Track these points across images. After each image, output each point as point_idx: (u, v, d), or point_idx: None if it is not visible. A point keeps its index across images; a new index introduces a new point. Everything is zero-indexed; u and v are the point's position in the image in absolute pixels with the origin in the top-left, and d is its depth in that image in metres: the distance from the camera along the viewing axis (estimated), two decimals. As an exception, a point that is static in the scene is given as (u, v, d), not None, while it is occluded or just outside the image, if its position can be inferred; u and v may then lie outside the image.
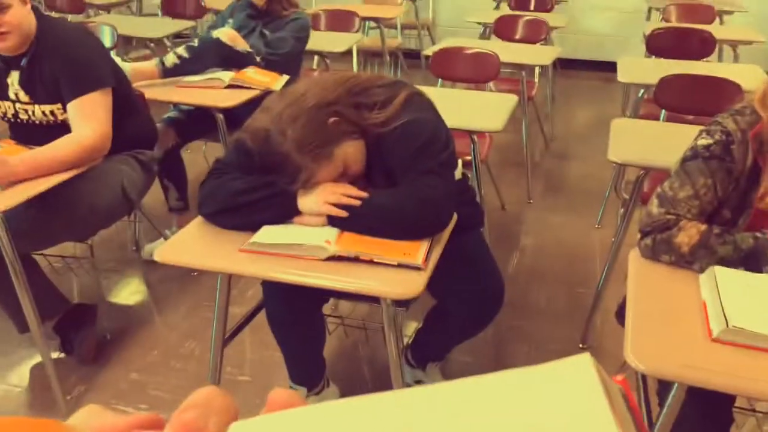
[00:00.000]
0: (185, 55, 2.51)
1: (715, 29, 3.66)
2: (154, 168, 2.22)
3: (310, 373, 1.81)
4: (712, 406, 1.33)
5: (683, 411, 1.14)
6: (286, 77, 2.58)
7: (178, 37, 4.02)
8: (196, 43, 2.55)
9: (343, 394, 1.93)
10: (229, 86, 2.44)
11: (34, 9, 1.86)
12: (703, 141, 1.29)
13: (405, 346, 1.94)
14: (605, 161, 1.96)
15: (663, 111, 2.64)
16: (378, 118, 1.39)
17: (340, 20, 4.18)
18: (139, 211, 2.27)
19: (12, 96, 1.92)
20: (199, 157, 3.31)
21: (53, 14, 4.13)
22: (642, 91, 2.80)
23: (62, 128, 1.88)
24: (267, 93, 2.30)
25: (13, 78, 1.89)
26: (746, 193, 1.28)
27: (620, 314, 1.53)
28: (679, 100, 2.56)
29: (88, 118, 1.86)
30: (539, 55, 3.32)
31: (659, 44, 3.54)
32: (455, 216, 1.41)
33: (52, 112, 1.91)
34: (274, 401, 0.24)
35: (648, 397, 1.39)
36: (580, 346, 2.19)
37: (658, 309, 1.15)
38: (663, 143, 1.97)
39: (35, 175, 1.72)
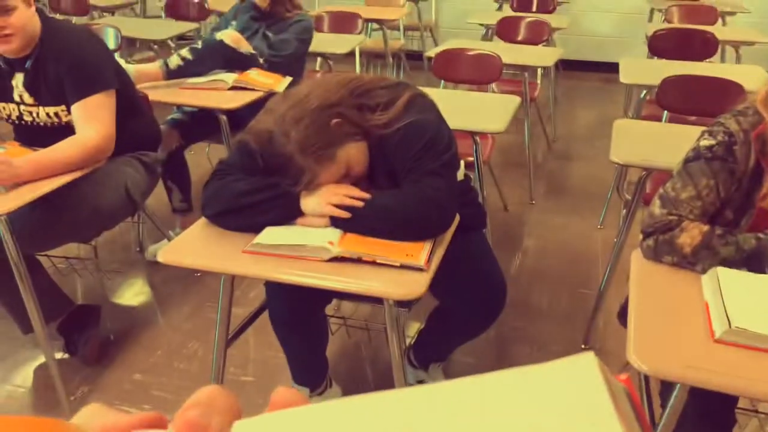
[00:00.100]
0: (189, 56, 2.52)
1: (718, 30, 3.66)
2: (157, 169, 2.22)
3: (312, 374, 1.81)
4: (714, 407, 1.33)
5: (685, 411, 1.14)
6: (289, 79, 2.58)
7: (182, 39, 4.03)
8: (199, 44, 2.56)
9: (346, 394, 1.90)
10: (233, 88, 2.44)
11: (38, 11, 1.87)
12: (706, 142, 1.29)
13: (407, 347, 1.94)
14: (607, 162, 1.96)
15: (665, 112, 2.64)
16: (381, 120, 1.40)
17: (343, 22, 4.18)
18: (143, 212, 2.28)
19: (16, 98, 1.92)
20: (203, 159, 3.32)
21: (57, 16, 4.15)
22: (644, 92, 2.80)
23: (66, 130, 1.89)
24: (270, 95, 2.30)
25: (18, 80, 1.90)
26: (749, 193, 1.28)
27: (622, 315, 1.53)
28: (681, 101, 2.56)
29: (92, 119, 1.86)
30: (541, 56, 3.32)
31: (661, 45, 3.53)
32: (457, 217, 1.41)
33: (56, 114, 1.92)
34: (277, 400, 0.24)
35: (650, 397, 1.39)
36: (583, 346, 2.19)
37: (660, 310, 1.15)
38: (665, 144, 1.97)
39: (39, 177, 1.72)
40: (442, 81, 3.11)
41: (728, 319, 1.05)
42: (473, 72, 3.01)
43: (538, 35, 3.87)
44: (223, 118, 2.41)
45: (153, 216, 2.34)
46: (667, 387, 1.33)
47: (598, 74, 5.51)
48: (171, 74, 2.51)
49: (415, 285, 1.23)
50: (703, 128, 1.33)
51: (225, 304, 1.58)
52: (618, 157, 1.88)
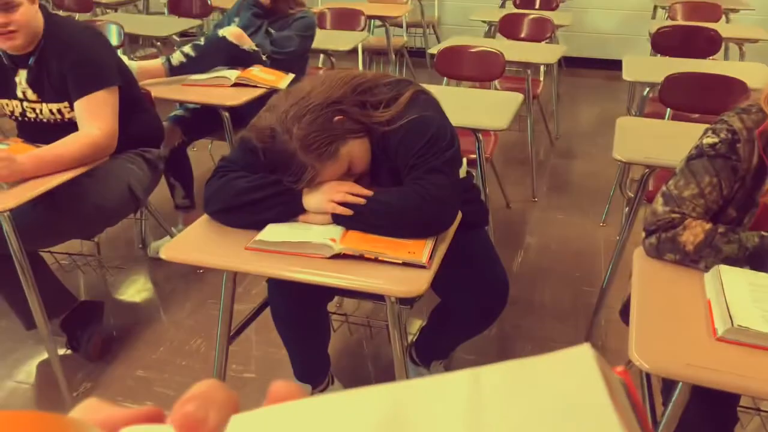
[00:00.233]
0: (191, 53, 2.52)
1: (721, 27, 3.65)
2: (160, 166, 2.22)
3: (314, 371, 1.82)
4: (716, 406, 1.33)
5: (687, 410, 1.14)
6: (291, 76, 2.58)
7: (185, 35, 4.03)
8: (202, 41, 2.56)
9: (348, 391, 1.93)
10: (235, 85, 2.45)
11: (42, 7, 1.87)
12: (709, 139, 1.29)
13: (409, 344, 1.94)
14: (610, 160, 1.95)
15: (668, 109, 2.63)
16: (383, 117, 1.40)
17: (346, 19, 4.18)
18: (146, 209, 2.28)
19: (19, 95, 1.93)
20: (205, 156, 3.32)
21: (61, 13, 4.15)
22: (647, 89, 2.79)
23: (69, 127, 1.89)
24: (273, 91, 2.30)
25: (21, 77, 1.90)
26: (752, 191, 1.27)
27: (624, 313, 1.53)
28: (684, 98, 2.55)
29: (95, 116, 1.86)
30: (544, 53, 3.32)
31: (665, 42, 3.52)
32: (460, 214, 1.41)
33: (59, 111, 1.92)
34: (275, 394, 0.24)
35: (652, 395, 1.39)
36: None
37: (662, 308, 1.15)
38: (668, 142, 1.97)
39: (42, 173, 1.72)
40: (445, 78, 3.11)
41: (731, 318, 1.05)
42: (476, 69, 3.00)
43: (541, 32, 3.86)
44: (226, 114, 2.41)
45: (155, 213, 2.34)
46: (668, 385, 1.33)
47: (601, 71, 5.50)
48: (173, 71, 2.51)
49: (417, 282, 1.23)
50: (707, 126, 1.33)
51: (227, 301, 1.58)
52: (621, 155, 1.88)
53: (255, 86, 2.45)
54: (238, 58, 2.56)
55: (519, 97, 2.42)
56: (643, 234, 1.31)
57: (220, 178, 1.44)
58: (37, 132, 1.95)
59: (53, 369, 1.87)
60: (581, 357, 0.21)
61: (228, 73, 2.49)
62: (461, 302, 1.68)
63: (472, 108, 2.34)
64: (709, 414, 1.32)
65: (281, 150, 1.34)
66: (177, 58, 2.52)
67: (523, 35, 3.92)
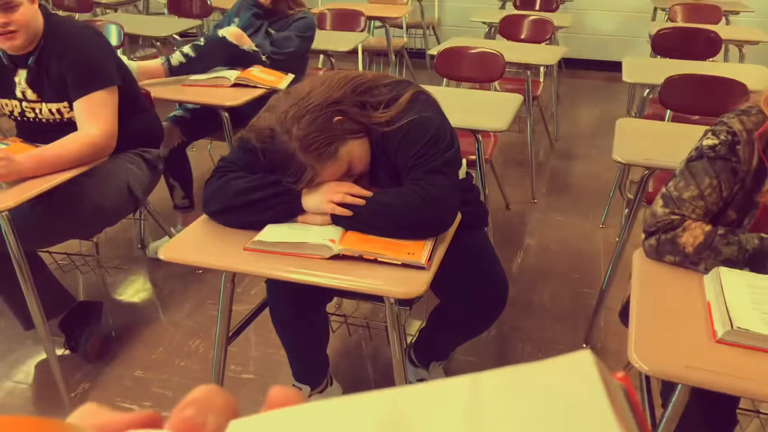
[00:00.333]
0: (191, 53, 2.52)
1: (721, 29, 3.65)
2: (159, 166, 2.22)
3: (313, 372, 1.81)
4: (715, 408, 1.33)
5: (687, 412, 1.14)
6: (291, 76, 2.59)
7: (185, 35, 4.03)
8: (202, 41, 2.56)
9: (346, 392, 1.92)
10: (235, 85, 2.45)
11: (41, 7, 1.87)
12: (709, 141, 1.29)
13: (408, 345, 1.94)
14: (610, 161, 1.95)
15: (668, 111, 2.63)
16: (383, 117, 1.40)
17: (346, 19, 4.18)
18: (145, 209, 2.28)
19: (18, 94, 1.92)
20: (205, 156, 3.32)
21: (61, 13, 4.15)
22: (647, 91, 2.79)
23: (69, 126, 1.89)
24: (272, 92, 2.30)
25: (21, 77, 1.90)
26: (752, 193, 1.27)
27: (624, 314, 1.52)
28: (684, 100, 2.55)
29: (94, 116, 1.86)
30: (544, 54, 3.32)
31: (665, 44, 3.53)
32: (459, 215, 1.41)
33: (58, 111, 1.92)
34: (273, 399, 0.24)
35: (651, 397, 1.39)
36: (584, 346, 2.18)
37: (662, 309, 1.15)
38: (668, 143, 1.97)
39: (41, 173, 1.72)
40: (445, 79, 3.11)
41: (730, 320, 1.05)
42: (476, 70, 3.00)
43: (541, 34, 3.87)
44: (225, 115, 2.41)
45: (155, 213, 2.34)
46: (668, 387, 1.33)
47: (601, 73, 5.50)
48: (173, 71, 2.51)
49: (416, 283, 1.23)
50: (707, 127, 1.33)
51: (226, 301, 1.58)
52: (620, 156, 1.88)
53: (254, 87, 2.45)
54: (238, 59, 2.56)
55: (519, 98, 2.42)
56: (643, 235, 1.31)
57: (220, 179, 1.43)
58: (36, 132, 1.95)
59: (51, 369, 1.87)
60: (581, 362, 0.21)
61: (227, 73, 2.49)
62: (460, 303, 1.67)
63: (472, 109, 2.34)
64: (708, 416, 1.32)
65: (280, 150, 1.34)
66: (177, 58, 2.52)
67: (523, 36, 3.92)
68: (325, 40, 3.34)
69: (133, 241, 2.80)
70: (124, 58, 2.19)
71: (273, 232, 1.35)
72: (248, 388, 1.97)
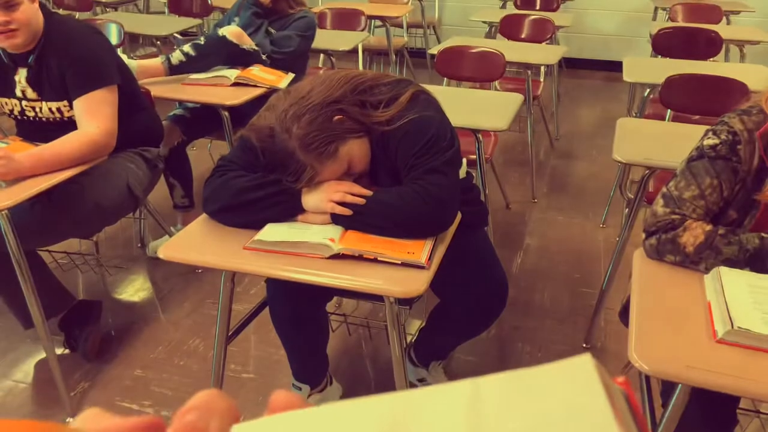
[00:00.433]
0: (191, 52, 2.52)
1: (722, 29, 3.65)
2: (159, 165, 2.22)
3: (313, 371, 1.81)
4: (715, 408, 1.33)
5: (687, 412, 1.14)
6: (291, 75, 2.58)
7: (185, 34, 4.03)
8: (202, 40, 2.56)
9: (346, 391, 1.93)
10: (235, 84, 2.45)
11: (42, 6, 1.87)
12: (709, 141, 1.28)
13: (408, 345, 1.94)
14: (610, 161, 1.95)
15: (669, 111, 2.63)
16: (383, 116, 1.39)
17: (346, 19, 4.18)
18: (145, 208, 2.28)
19: (18, 93, 1.92)
20: (205, 155, 3.32)
21: (61, 11, 4.15)
22: (648, 90, 2.79)
23: (69, 125, 1.89)
24: (272, 91, 2.30)
25: (21, 75, 1.90)
26: (752, 193, 1.27)
27: (624, 314, 1.52)
28: (685, 99, 2.55)
29: (94, 115, 1.86)
30: (545, 54, 3.32)
31: (665, 44, 3.52)
32: (459, 215, 1.40)
33: (58, 109, 1.92)
34: (276, 403, 0.24)
35: (651, 397, 1.39)
36: (584, 345, 2.18)
37: (662, 309, 1.15)
38: (668, 143, 1.97)
39: (41, 172, 1.72)
40: (445, 78, 3.11)
41: (731, 320, 1.05)
42: (476, 69, 3.00)
43: (542, 33, 3.86)
44: (225, 114, 2.41)
45: (154, 212, 2.34)
46: (668, 387, 1.33)
47: (601, 72, 5.50)
48: (173, 70, 2.51)
49: (416, 283, 1.23)
50: (707, 127, 1.33)
51: (225, 300, 1.58)
52: (621, 156, 1.88)
53: (255, 86, 2.45)
54: (238, 58, 2.55)
55: (519, 97, 2.41)
56: (643, 235, 1.31)
57: (220, 178, 1.43)
58: (36, 131, 1.95)
59: (51, 368, 1.87)
60: (582, 366, 0.21)
61: (228, 72, 2.49)
62: (460, 303, 1.67)
63: (473, 108, 2.34)
64: (708, 416, 1.32)
65: (280, 149, 1.34)
66: (177, 57, 2.52)
67: (523, 36, 3.92)
68: (325, 39, 3.34)
69: (132, 240, 2.80)
70: (124, 57, 2.19)
71: (273, 232, 1.35)
72: (248, 387, 1.97)
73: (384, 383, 2.00)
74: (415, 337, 1.93)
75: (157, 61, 2.51)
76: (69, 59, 1.85)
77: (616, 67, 3.44)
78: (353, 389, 1.96)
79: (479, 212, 1.73)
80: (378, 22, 4.82)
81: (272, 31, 2.69)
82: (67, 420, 1.83)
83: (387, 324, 1.41)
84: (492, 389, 0.21)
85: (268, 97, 1.46)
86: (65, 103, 1.90)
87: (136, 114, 2.08)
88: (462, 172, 1.54)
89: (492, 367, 2.07)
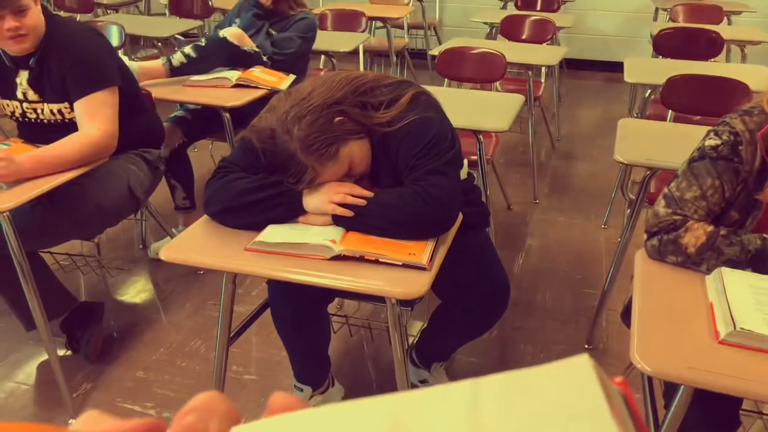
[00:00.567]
0: (192, 54, 2.52)
1: (723, 29, 3.64)
2: (160, 167, 2.22)
3: (315, 372, 1.81)
4: (718, 409, 1.32)
5: (689, 413, 1.14)
6: (292, 77, 2.59)
7: (186, 36, 4.03)
8: (203, 42, 2.56)
9: (348, 393, 1.93)
10: (236, 85, 2.45)
11: (43, 8, 1.87)
12: (711, 141, 1.28)
13: (410, 346, 1.93)
14: (612, 161, 1.95)
15: (670, 111, 2.63)
16: (384, 118, 1.39)
17: (347, 20, 4.18)
18: (146, 209, 2.28)
19: (20, 95, 1.92)
20: (206, 156, 3.33)
21: (62, 13, 4.15)
22: (649, 91, 2.79)
23: (70, 127, 1.89)
24: (273, 92, 2.30)
25: (22, 77, 1.90)
26: (754, 193, 1.27)
27: (626, 315, 1.52)
28: (686, 100, 2.55)
29: (95, 116, 1.86)
30: (546, 55, 3.32)
31: (666, 44, 3.52)
32: (460, 216, 1.40)
33: (59, 111, 1.92)
34: (274, 405, 0.24)
35: (654, 398, 1.39)
36: (586, 346, 2.18)
37: (664, 310, 1.15)
38: (670, 144, 1.96)
39: (42, 173, 1.72)
40: (446, 79, 3.11)
41: (733, 321, 1.05)
42: (477, 70, 3.00)
43: (543, 34, 3.86)
44: (227, 115, 2.41)
45: (156, 213, 2.34)
46: (670, 388, 1.33)
47: (602, 73, 5.50)
48: (174, 71, 2.52)
49: (418, 284, 1.23)
50: (709, 128, 1.33)
51: (227, 302, 1.58)
52: (622, 157, 1.88)
53: (256, 87, 2.45)
54: (239, 59, 2.56)
55: (520, 98, 2.41)
56: (645, 236, 1.31)
57: (221, 179, 1.43)
58: (37, 132, 1.95)
59: (53, 370, 1.87)
60: (580, 367, 0.21)
61: (229, 73, 2.49)
62: (462, 304, 1.67)
63: (473, 109, 2.34)
64: (710, 417, 1.32)
65: (282, 151, 1.34)
66: (178, 58, 2.52)
67: (524, 37, 3.92)
68: (326, 40, 3.35)
69: (134, 242, 2.80)
70: (125, 59, 2.19)
71: (274, 233, 1.35)
72: (250, 388, 1.97)
73: (386, 384, 2.00)
74: (416, 339, 1.93)
75: (158, 63, 2.51)
76: (70, 61, 1.85)
77: (617, 67, 3.44)
78: (355, 391, 1.95)
79: (480, 213, 1.73)
80: (379, 24, 4.83)
81: (273, 32, 2.70)
82: (69, 422, 1.83)
83: (388, 325, 1.41)
84: (491, 389, 0.21)
85: (269, 99, 1.46)
86: (66, 104, 1.91)
87: (137, 116, 2.08)
88: (463, 173, 1.54)
89: (494, 368, 2.07)
